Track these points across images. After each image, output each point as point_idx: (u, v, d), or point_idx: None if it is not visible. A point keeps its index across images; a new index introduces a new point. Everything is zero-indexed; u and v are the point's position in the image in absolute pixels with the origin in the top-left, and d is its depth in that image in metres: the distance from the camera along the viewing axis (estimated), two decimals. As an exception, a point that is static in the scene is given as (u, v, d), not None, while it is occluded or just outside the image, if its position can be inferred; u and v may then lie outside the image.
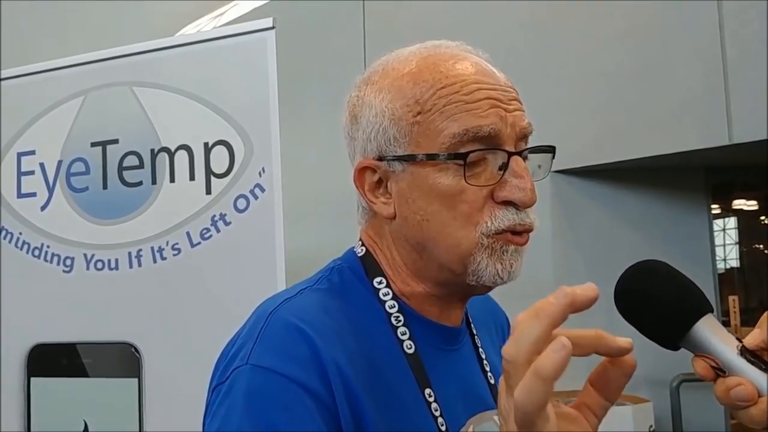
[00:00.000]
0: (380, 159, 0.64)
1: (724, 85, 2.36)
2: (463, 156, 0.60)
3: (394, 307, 0.65)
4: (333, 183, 2.99)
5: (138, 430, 1.44)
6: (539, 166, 0.66)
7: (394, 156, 0.63)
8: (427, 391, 0.62)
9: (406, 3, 3.04)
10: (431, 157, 0.61)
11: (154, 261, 1.46)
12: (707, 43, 2.40)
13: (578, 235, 2.76)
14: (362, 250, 0.69)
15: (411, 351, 0.63)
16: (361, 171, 0.65)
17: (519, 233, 0.62)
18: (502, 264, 0.61)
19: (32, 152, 1.59)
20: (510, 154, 0.61)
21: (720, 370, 0.51)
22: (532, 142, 0.66)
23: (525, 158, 0.64)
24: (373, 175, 0.65)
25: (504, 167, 0.61)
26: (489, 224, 0.60)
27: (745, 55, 2.34)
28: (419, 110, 0.62)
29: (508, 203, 0.61)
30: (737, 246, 4.48)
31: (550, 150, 0.65)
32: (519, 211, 0.61)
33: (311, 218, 2.97)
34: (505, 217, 0.60)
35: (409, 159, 0.62)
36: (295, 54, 3.17)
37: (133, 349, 1.45)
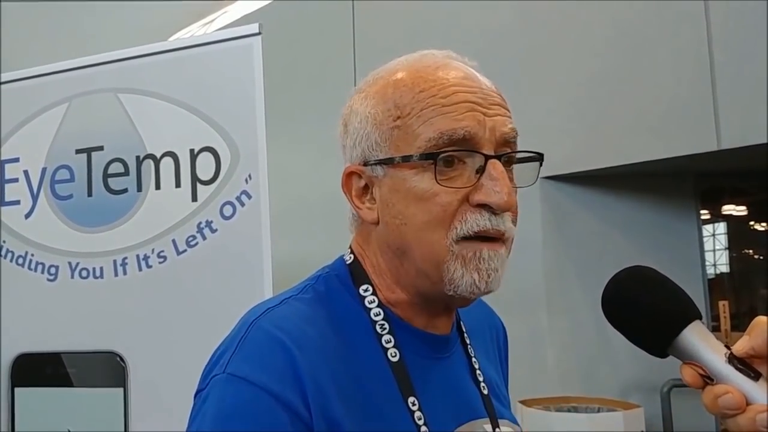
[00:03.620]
0: (365, 164, 0.64)
1: (712, 90, 2.37)
2: (434, 156, 0.59)
3: (380, 315, 0.65)
4: (321, 190, 2.99)
5: (123, 440, 1.41)
6: (526, 173, 0.65)
7: (376, 160, 0.63)
8: (411, 399, 0.62)
9: (396, 9, 3.04)
10: (406, 159, 0.61)
11: (140, 269, 1.44)
12: (695, 48, 2.41)
13: (568, 241, 2.76)
14: (351, 257, 0.69)
15: (395, 359, 0.63)
16: (349, 176, 0.66)
17: (491, 239, 0.61)
18: (479, 273, 0.60)
19: (16, 159, 1.57)
20: (487, 158, 0.60)
21: (708, 378, 0.51)
22: (520, 147, 0.64)
23: (511, 162, 0.63)
24: (359, 181, 0.66)
25: (481, 171, 0.60)
26: (459, 229, 0.60)
27: (733, 61, 2.35)
28: (399, 114, 0.62)
29: (482, 206, 0.60)
30: (727, 251, 4.51)
31: (538, 157, 0.65)
32: (493, 217, 0.60)
33: (298, 226, 2.96)
34: (476, 222, 0.59)
35: (388, 162, 0.62)
36: (283, 61, 3.17)
37: (118, 359, 1.43)
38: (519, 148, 0.64)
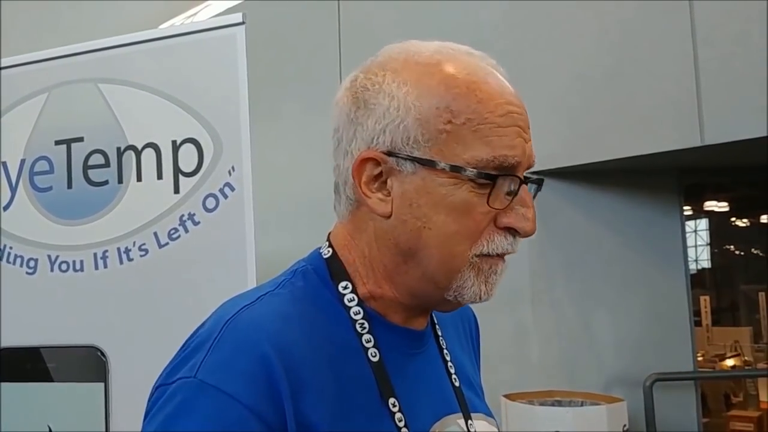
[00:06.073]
0: (389, 154, 0.61)
1: (696, 87, 2.39)
2: (493, 177, 0.59)
3: (359, 313, 0.63)
4: (305, 186, 2.97)
5: (104, 436, 1.39)
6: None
7: (410, 156, 0.60)
8: (391, 400, 0.61)
9: (382, 4, 3.03)
10: (456, 169, 0.59)
11: (121, 262, 1.42)
12: (680, 45, 2.42)
13: (553, 236, 2.78)
14: (329, 251, 0.66)
15: (375, 359, 0.62)
16: (364, 161, 0.62)
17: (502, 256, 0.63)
18: (486, 285, 0.62)
19: (-7, 151, 1.54)
20: (521, 182, 0.61)
21: None
22: None
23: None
24: (374, 168, 0.62)
25: (513, 194, 0.60)
26: (485, 247, 0.61)
27: (717, 58, 2.37)
28: (450, 119, 0.60)
29: (508, 230, 0.61)
30: (708, 247, 4.56)
31: (540, 181, 0.66)
32: (515, 239, 0.62)
33: (283, 221, 2.94)
34: (501, 245, 0.61)
35: (427, 164, 0.60)
36: (268, 55, 3.14)
37: (99, 353, 1.41)
38: None
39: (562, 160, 2.64)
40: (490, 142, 0.59)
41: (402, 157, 0.60)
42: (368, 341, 0.63)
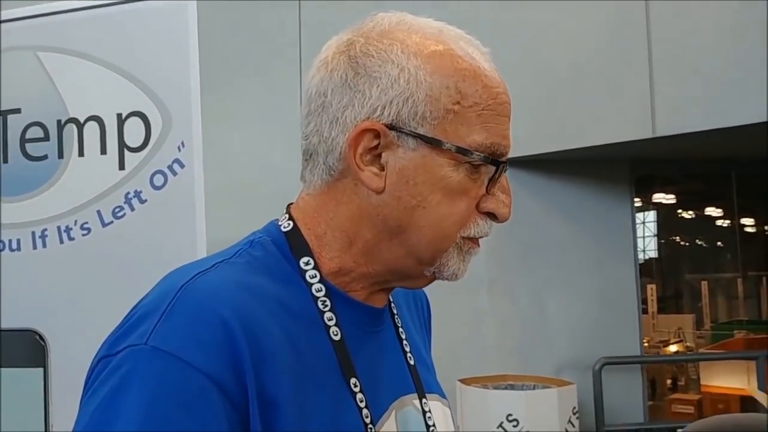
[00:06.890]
0: (391, 127, 0.58)
1: (650, 80, 2.45)
2: (497, 164, 0.60)
3: (321, 290, 0.61)
4: (260, 167, 2.91)
5: (43, 423, 1.34)
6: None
7: (415, 132, 0.58)
8: (353, 380, 0.60)
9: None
10: (461, 151, 0.58)
11: (61, 241, 1.36)
12: (634, 39, 2.49)
13: (509, 224, 2.78)
14: (289, 224, 0.63)
15: (337, 338, 0.60)
16: (363, 132, 0.59)
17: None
18: (463, 265, 0.63)
19: None
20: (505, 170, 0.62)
21: None
22: None
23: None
24: (372, 140, 0.59)
25: (494, 180, 0.61)
26: (472, 230, 0.62)
27: (670, 52, 2.44)
28: (458, 100, 0.59)
29: (488, 214, 0.62)
30: (656, 238, 4.73)
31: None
32: (493, 224, 0.63)
33: (233, 205, 2.87)
34: (483, 229, 0.63)
35: (432, 142, 0.58)
36: (224, 31, 3.06)
37: (37, 337, 1.36)
38: None
39: (518, 149, 2.65)
40: (489, 129, 0.60)
41: (405, 132, 0.59)
42: (330, 319, 0.61)
